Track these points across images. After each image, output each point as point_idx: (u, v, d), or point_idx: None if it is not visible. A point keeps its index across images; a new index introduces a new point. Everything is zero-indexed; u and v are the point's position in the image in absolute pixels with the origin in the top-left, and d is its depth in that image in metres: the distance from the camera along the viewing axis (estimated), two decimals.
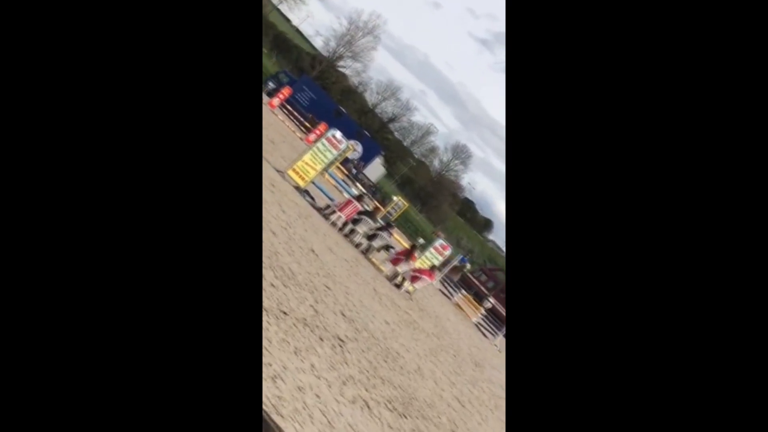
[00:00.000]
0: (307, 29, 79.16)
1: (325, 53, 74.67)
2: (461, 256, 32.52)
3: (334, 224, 14.36)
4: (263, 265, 6.30)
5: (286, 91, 35.83)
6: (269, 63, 55.90)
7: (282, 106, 35.22)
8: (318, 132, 24.92)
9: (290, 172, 14.59)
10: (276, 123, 27.51)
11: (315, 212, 14.03)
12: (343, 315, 7.38)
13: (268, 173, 12.79)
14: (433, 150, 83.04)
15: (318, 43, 77.47)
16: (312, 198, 14.94)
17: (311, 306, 6.52)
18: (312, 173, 14.98)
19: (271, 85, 40.70)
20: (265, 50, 59.69)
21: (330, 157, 15.44)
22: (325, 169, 16.67)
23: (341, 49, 74.93)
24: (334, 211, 14.71)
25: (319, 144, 15.52)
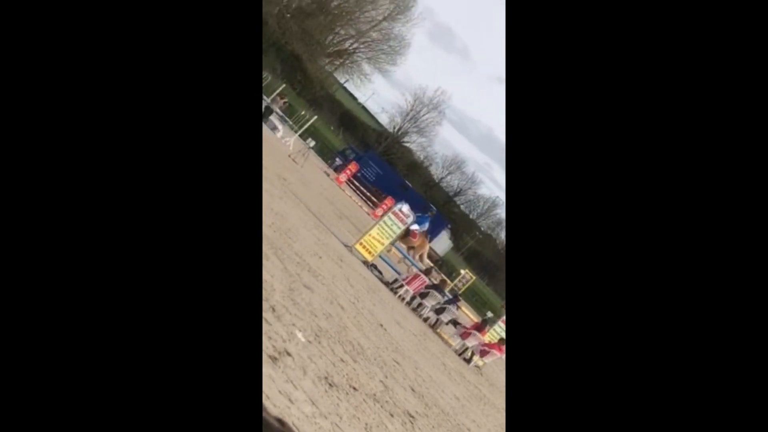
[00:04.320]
0: (372, 106, 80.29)
1: (390, 129, 75.66)
2: None
3: (401, 298, 14.31)
4: (333, 339, 6.30)
5: (352, 167, 36.31)
6: (336, 139, 56.80)
7: (349, 181, 35.66)
8: (385, 206, 25.10)
9: (358, 247, 14.65)
10: (343, 198, 27.82)
11: (383, 286, 14.00)
12: (412, 390, 7.29)
13: (335, 247, 12.87)
14: (499, 222, 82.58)
15: (383, 119, 78.46)
16: (379, 272, 14.93)
17: (381, 381, 6.46)
18: (379, 247, 15.01)
19: (338, 161, 41.28)
20: (331, 127, 60.76)
21: (397, 231, 15.48)
22: (392, 243, 16.71)
23: (406, 125, 75.89)
24: (401, 285, 14.68)
25: (386, 218, 15.58)
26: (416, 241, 21.39)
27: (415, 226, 21.03)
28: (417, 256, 21.71)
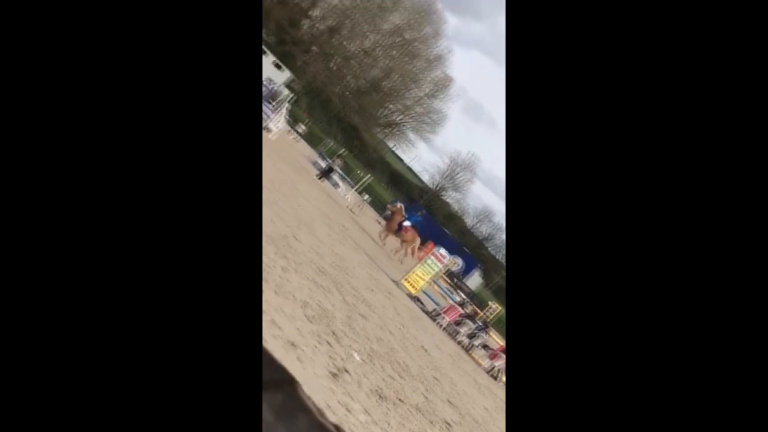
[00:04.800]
0: (415, 166, 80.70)
1: (431, 185, 75.92)
2: None
3: (440, 325, 14.18)
4: (383, 359, 6.24)
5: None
6: (386, 194, 57.05)
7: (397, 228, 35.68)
8: (426, 249, 25.02)
9: (404, 282, 14.60)
10: (391, 242, 27.76)
11: (424, 315, 13.90)
12: (449, 402, 7.17)
13: (385, 283, 12.83)
14: None
15: (425, 177, 78.76)
16: (422, 303, 14.84)
17: (423, 394, 6.37)
18: (422, 283, 14.96)
19: (388, 212, 41.46)
20: (382, 183, 61.08)
21: (436, 269, 15.42)
22: (433, 280, 16.63)
23: (444, 182, 76.18)
24: (439, 314, 14.57)
25: (427, 259, 15.56)
26: (408, 236, 21.08)
27: (407, 223, 21.07)
28: (409, 249, 21.34)
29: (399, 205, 22.42)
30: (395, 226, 21.06)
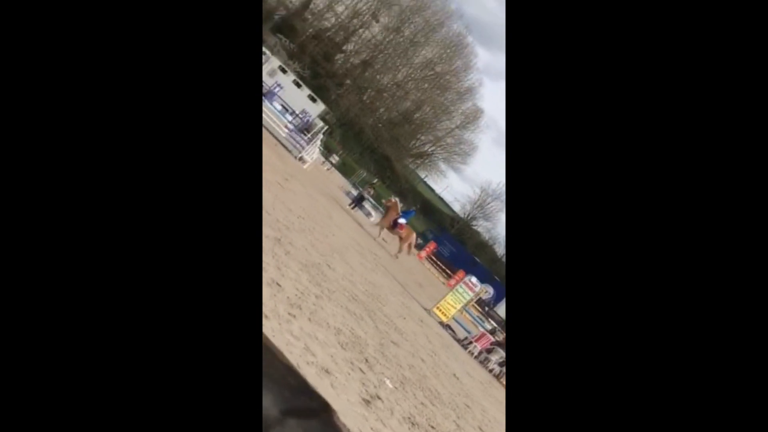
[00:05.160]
0: (447, 196, 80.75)
1: (462, 215, 75.75)
2: None
3: (471, 353, 14.06)
4: (415, 386, 6.22)
5: (431, 246, 36.33)
6: (417, 224, 57.02)
7: (428, 257, 35.60)
8: (457, 278, 24.92)
9: (435, 310, 14.54)
10: (423, 270, 27.70)
11: (455, 343, 13.80)
12: (480, 429, 7.10)
13: (417, 310, 12.79)
14: None
15: (456, 207, 78.67)
16: (453, 331, 14.75)
17: (454, 422, 6.32)
18: (453, 311, 14.88)
19: (419, 241, 41.47)
20: (415, 210, 61.12)
21: (467, 297, 15.34)
22: (464, 308, 16.53)
23: (474, 212, 75.97)
24: (471, 342, 14.45)
25: (458, 287, 15.49)
26: (403, 233, 20.70)
27: (402, 220, 20.57)
28: (405, 245, 21.00)
29: (394, 199, 21.77)
30: (390, 222, 20.62)
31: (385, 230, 21.07)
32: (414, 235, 21.89)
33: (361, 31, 68.23)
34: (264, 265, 5.07)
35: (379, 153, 65.45)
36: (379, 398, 4.86)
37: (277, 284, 4.98)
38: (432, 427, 5.42)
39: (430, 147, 75.34)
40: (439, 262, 38.09)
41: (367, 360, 5.56)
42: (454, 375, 9.24)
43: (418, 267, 26.85)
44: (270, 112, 21.52)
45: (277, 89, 29.98)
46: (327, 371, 4.36)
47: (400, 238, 20.85)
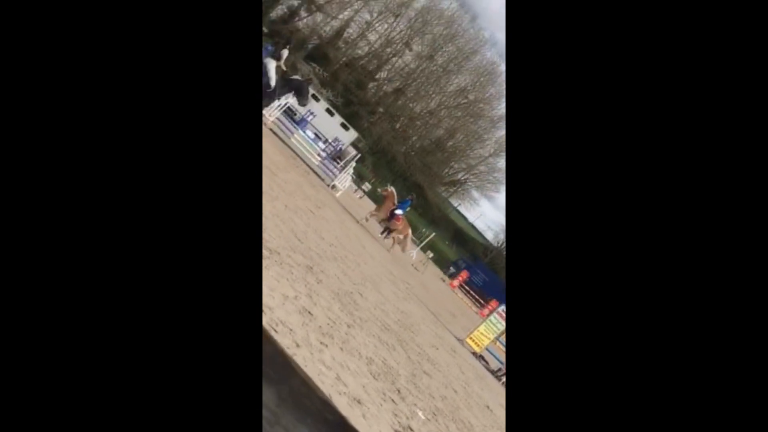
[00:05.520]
0: (479, 225, 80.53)
1: (494, 243, 75.27)
2: None
3: (504, 384, 13.86)
4: (447, 417, 6.13)
5: (464, 275, 36.16)
6: (450, 252, 56.84)
7: (461, 286, 35.39)
8: (490, 307, 24.70)
9: (468, 340, 14.40)
10: (456, 300, 27.55)
11: (488, 374, 13.62)
12: None
13: (449, 340, 12.68)
14: None
15: (489, 235, 78.33)
16: (486, 362, 14.58)
17: None
18: (486, 341, 14.72)
19: (452, 269, 41.30)
20: (446, 241, 60.97)
21: (500, 328, 15.16)
22: (497, 338, 16.33)
23: None
24: (504, 373, 14.25)
25: (491, 317, 15.33)
26: (399, 225, 19.84)
27: (398, 211, 19.74)
28: (401, 237, 20.18)
29: (390, 189, 20.68)
30: (387, 213, 19.74)
31: (376, 221, 20.26)
32: (410, 230, 20.87)
33: (394, 59, 68.97)
34: (295, 293, 5.07)
35: (411, 181, 65.63)
36: (411, 429, 4.80)
37: (309, 312, 4.97)
38: None
39: (463, 175, 75.41)
40: (471, 291, 37.78)
41: (399, 390, 5.50)
42: (487, 407, 9.10)
43: (450, 296, 26.69)
44: (302, 140, 21.68)
45: (310, 117, 30.32)
46: (359, 401, 4.32)
47: (394, 230, 19.89)
